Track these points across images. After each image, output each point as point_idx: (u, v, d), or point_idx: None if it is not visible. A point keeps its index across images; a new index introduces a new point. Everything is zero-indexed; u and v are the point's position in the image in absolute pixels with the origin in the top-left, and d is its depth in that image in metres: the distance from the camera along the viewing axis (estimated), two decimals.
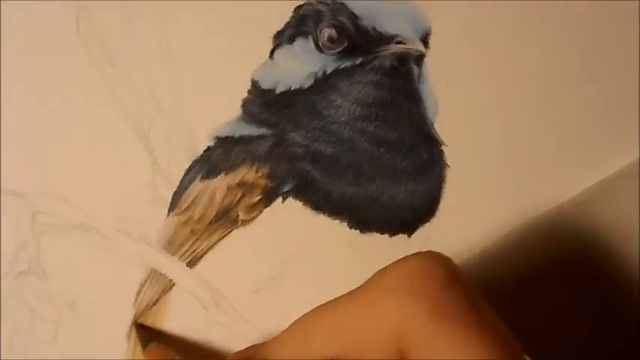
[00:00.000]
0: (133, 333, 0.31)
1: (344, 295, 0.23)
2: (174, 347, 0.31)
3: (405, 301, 0.22)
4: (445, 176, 0.32)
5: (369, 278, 0.23)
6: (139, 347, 0.31)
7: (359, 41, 0.30)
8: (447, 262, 0.23)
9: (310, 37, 0.30)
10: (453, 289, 0.22)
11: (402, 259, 0.23)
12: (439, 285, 0.22)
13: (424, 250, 0.23)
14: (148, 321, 0.31)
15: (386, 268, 0.23)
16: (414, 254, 0.23)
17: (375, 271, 0.23)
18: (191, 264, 0.31)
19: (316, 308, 0.23)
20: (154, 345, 0.30)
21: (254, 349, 0.24)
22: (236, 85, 0.31)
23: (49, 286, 0.31)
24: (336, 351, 0.22)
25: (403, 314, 0.21)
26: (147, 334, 0.31)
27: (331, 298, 0.23)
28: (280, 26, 0.30)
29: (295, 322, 0.24)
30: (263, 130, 0.31)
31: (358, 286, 0.23)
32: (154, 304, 0.31)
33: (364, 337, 0.22)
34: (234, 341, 0.32)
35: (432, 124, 0.31)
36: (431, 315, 0.21)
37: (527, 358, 0.22)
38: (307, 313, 0.23)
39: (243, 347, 0.25)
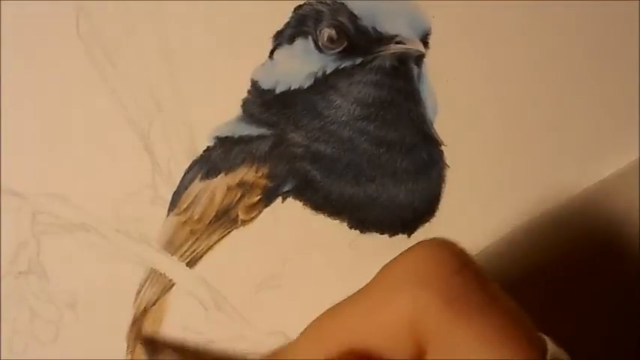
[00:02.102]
0: (133, 333, 0.31)
1: (355, 294, 0.23)
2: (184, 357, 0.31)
3: (416, 293, 0.21)
4: (445, 176, 0.32)
5: (377, 274, 0.22)
6: (138, 347, 0.31)
7: (359, 41, 0.30)
8: (453, 248, 0.22)
9: (310, 37, 0.30)
10: (463, 274, 0.21)
11: (407, 250, 0.22)
12: (448, 272, 0.21)
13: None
14: (148, 321, 0.31)
15: (393, 261, 0.22)
16: (418, 244, 0.22)
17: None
18: (191, 264, 0.31)
19: (329, 310, 0.23)
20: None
21: (273, 354, 0.24)
22: (236, 85, 0.31)
23: (49, 286, 0.31)
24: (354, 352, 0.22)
25: (416, 307, 0.21)
26: (154, 347, 0.31)
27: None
28: (280, 26, 0.30)
29: (310, 325, 0.23)
30: (263, 130, 0.31)
31: (367, 282, 0.23)
32: (154, 304, 0.31)
33: (380, 336, 0.22)
34: (234, 341, 0.32)
35: (432, 124, 0.31)
36: (444, 304, 0.21)
37: (542, 335, 0.22)
38: (321, 316, 0.23)
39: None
